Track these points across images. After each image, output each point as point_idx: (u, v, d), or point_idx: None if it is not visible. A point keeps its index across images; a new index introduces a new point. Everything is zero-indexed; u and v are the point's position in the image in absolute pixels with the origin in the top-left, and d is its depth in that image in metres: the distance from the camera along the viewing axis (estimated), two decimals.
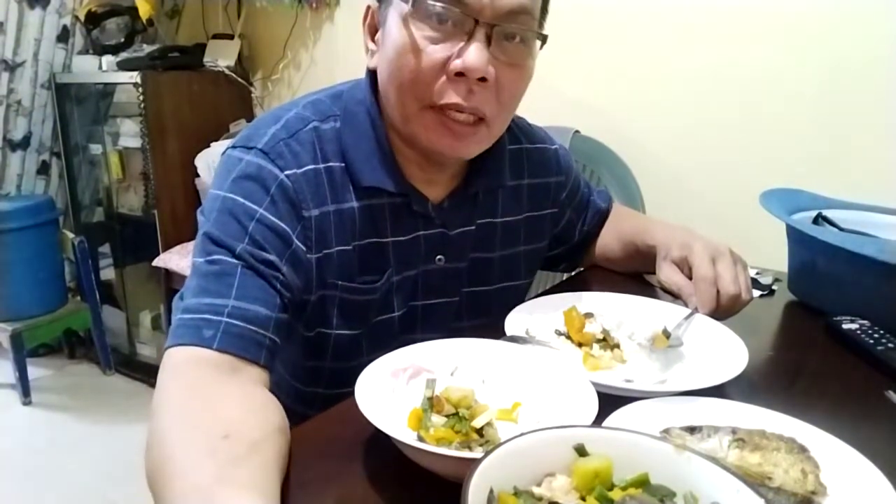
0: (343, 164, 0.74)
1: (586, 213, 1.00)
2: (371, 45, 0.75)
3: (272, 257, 0.66)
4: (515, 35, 0.67)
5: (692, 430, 0.52)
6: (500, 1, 0.65)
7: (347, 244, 0.74)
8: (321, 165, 0.72)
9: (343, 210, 0.73)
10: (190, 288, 0.65)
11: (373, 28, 0.75)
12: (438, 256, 0.80)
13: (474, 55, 0.65)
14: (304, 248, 0.70)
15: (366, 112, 0.75)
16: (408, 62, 0.67)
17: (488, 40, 0.65)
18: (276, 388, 0.83)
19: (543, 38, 0.70)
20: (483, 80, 0.66)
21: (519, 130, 0.89)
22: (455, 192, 0.80)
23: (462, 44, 0.65)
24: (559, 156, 0.94)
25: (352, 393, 0.53)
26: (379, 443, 0.53)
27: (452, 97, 0.67)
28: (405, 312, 0.81)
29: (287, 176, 0.69)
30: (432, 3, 0.65)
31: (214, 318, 0.61)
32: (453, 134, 0.69)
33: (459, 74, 0.66)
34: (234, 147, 0.73)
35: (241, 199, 0.68)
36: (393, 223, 0.76)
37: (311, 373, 0.83)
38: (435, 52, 0.66)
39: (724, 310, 0.76)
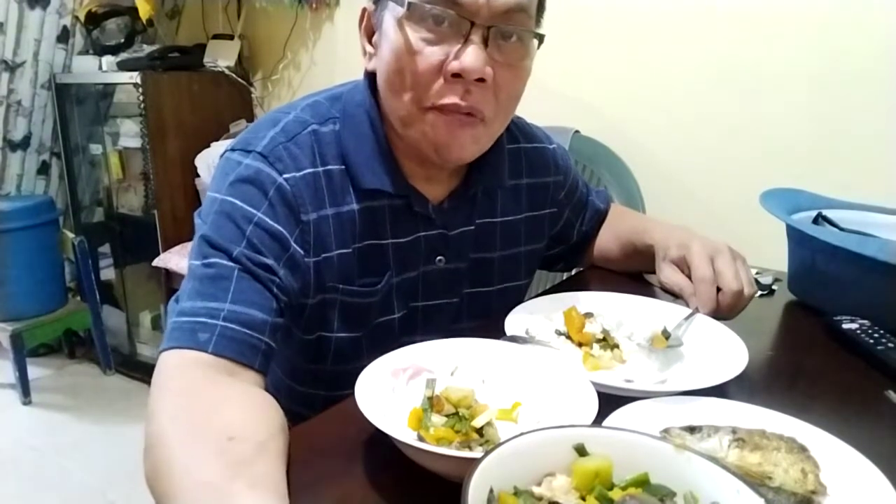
0: (343, 167, 0.73)
1: (584, 213, 1.00)
2: (368, 48, 0.75)
3: (269, 261, 0.66)
4: (512, 34, 0.67)
5: (692, 430, 0.52)
6: (496, 1, 0.64)
7: (347, 247, 0.74)
8: (320, 169, 0.72)
9: (342, 213, 0.73)
10: (186, 291, 0.64)
11: (369, 30, 0.74)
12: (439, 257, 0.80)
13: (471, 56, 0.64)
14: (302, 252, 0.70)
15: (365, 113, 0.75)
16: (404, 65, 0.67)
17: (485, 41, 0.65)
18: (274, 390, 0.82)
19: (540, 38, 0.70)
20: (481, 80, 0.66)
21: (517, 130, 0.89)
22: (455, 193, 0.80)
23: (459, 45, 0.65)
24: (557, 155, 0.94)
25: (352, 394, 0.53)
26: (379, 443, 0.53)
27: (450, 98, 0.67)
28: (405, 314, 0.80)
29: (286, 180, 0.69)
30: (427, 5, 0.64)
31: (210, 321, 0.60)
32: (452, 125, 0.68)
33: (457, 76, 0.65)
34: (232, 150, 0.72)
35: (239, 203, 0.67)
36: (393, 225, 0.76)
37: (310, 375, 0.83)
38: (432, 55, 0.66)
39: (728, 307, 0.75)
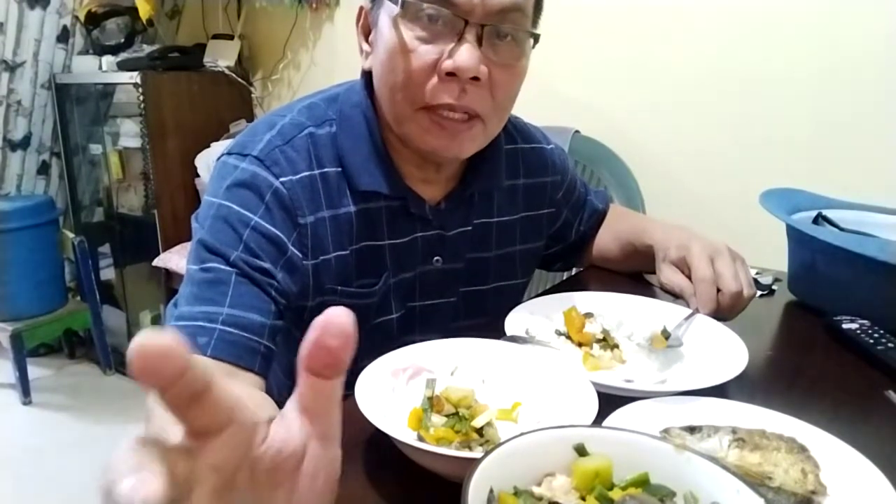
0: (339, 169, 0.73)
1: (583, 213, 1.00)
2: (365, 47, 0.75)
3: (266, 265, 0.66)
4: (507, 34, 0.67)
5: (692, 430, 0.52)
6: (490, 0, 0.64)
7: (345, 249, 0.74)
8: (316, 171, 0.72)
9: (339, 215, 0.73)
10: (184, 295, 0.64)
11: (366, 29, 0.74)
12: (436, 258, 0.80)
13: (465, 55, 0.64)
14: (299, 255, 0.70)
15: (361, 114, 0.75)
16: (399, 63, 0.67)
17: (479, 40, 0.65)
18: (276, 392, 0.82)
19: (536, 37, 0.70)
20: (475, 79, 0.66)
21: (515, 130, 0.89)
22: (452, 194, 0.80)
23: (453, 44, 0.65)
24: (555, 155, 0.94)
25: (352, 394, 0.53)
26: (379, 443, 0.53)
27: (445, 98, 0.66)
28: (403, 314, 0.80)
29: (282, 183, 0.69)
30: (422, 4, 0.64)
31: (209, 325, 0.61)
32: (447, 133, 0.69)
33: (451, 74, 0.65)
34: (229, 153, 0.72)
35: (236, 207, 0.67)
36: (390, 226, 0.76)
37: None
38: (426, 53, 0.66)
39: (727, 308, 0.75)
